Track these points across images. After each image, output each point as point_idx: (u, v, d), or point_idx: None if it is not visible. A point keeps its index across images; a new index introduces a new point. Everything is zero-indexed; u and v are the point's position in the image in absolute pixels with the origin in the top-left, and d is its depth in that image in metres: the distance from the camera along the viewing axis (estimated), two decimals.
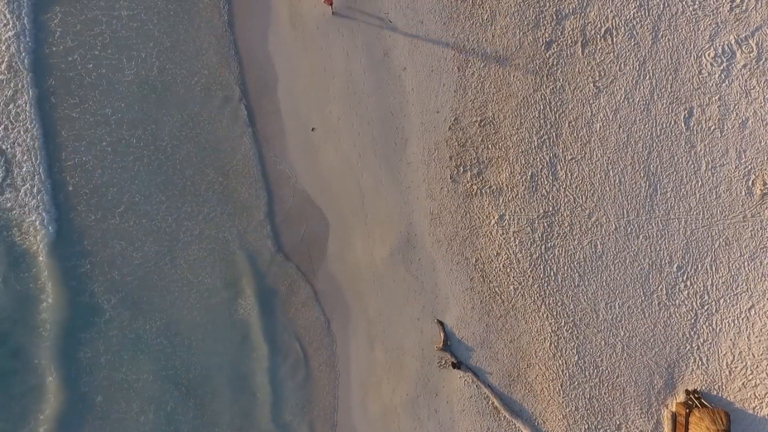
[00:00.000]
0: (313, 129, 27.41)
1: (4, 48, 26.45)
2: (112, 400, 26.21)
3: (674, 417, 25.05)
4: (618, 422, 25.71)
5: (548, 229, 26.01)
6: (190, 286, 26.83)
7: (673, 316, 25.70)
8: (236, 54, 27.46)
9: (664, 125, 25.85)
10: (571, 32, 26.10)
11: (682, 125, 25.81)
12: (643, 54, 25.89)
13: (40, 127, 26.35)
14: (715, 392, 25.39)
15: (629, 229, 25.84)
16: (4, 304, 25.81)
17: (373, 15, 26.54)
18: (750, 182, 25.63)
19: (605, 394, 25.79)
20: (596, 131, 25.99)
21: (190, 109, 27.25)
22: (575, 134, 26.04)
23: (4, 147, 26.20)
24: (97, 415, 26.13)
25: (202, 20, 27.54)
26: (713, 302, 25.64)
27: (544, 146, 26.12)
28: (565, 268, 25.96)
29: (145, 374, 26.42)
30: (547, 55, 26.19)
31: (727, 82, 25.69)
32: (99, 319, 26.25)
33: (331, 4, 26.34)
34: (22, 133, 26.27)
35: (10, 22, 26.51)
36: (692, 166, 25.78)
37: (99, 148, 26.71)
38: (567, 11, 26.10)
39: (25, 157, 26.23)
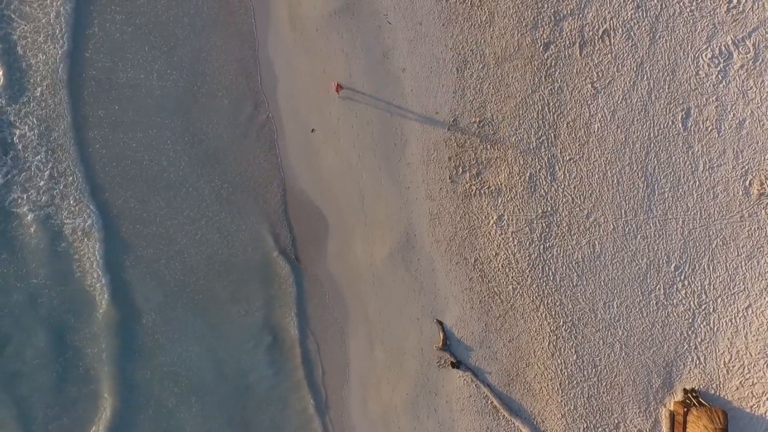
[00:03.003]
0: (312, 130, 27.54)
1: (44, 68, 27.08)
2: (160, 397, 27.24)
3: (672, 416, 25.20)
4: (616, 421, 25.86)
5: (547, 230, 26.16)
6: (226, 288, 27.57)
7: (671, 315, 25.84)
8: (256, 59, 27.68)
9: (662, 126, 25.98)
10: (569, 33, 26.21)
11: (680, 126, 25.94)
12: (641, 55, 26.02)
13: (76, 143, 27.13)
14: (712, 391, 25.54)
15: (627, 229, 25.99)
16: (61, 307, 26.93)
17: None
18: (747, 182, 25.76)
19: (603, 393, 25.94)
20: (594, 132, 26.12)
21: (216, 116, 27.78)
22: (573, 135, 26.18)
23: (47, 162, 27.01)
24: (149, 412, 27.19)
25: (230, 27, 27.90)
26: (711, 302, 25.78)
27: (543, 147, 26.26)
28: (564, 268, 26.10)
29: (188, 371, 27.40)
30: (546, 56, 26.31)
31: (724, 82, 25.81)
32: (145, 318, 27.16)
33: (339, 90, 26.53)
34: (60, 143, 27.06)
35: (51, 42, 27.15)
36: (690, 167, 25.91)
37: (133, 157, 27.38)
38: (565, 12, 26.21)
39: (68, 171, 27.07)
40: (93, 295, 26.86)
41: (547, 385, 26.05)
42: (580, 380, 25.96)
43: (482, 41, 26.62)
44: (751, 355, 25.51)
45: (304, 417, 27.53)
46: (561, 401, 25.97)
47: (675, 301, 25.86)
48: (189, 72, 27.60)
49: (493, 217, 26.43)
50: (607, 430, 25.86)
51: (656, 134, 25.99)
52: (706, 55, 25.88)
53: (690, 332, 25.78)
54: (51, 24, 27.02)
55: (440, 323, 26.73)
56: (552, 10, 26.22)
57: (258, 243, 27.59)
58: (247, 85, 27.70)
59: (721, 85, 25.84)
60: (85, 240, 26.85)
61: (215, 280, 27.40)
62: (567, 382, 25.98)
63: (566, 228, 26.14)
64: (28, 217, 26.86)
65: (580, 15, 26.14)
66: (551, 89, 26.23)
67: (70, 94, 27.06)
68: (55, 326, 26.84)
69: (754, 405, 25.27)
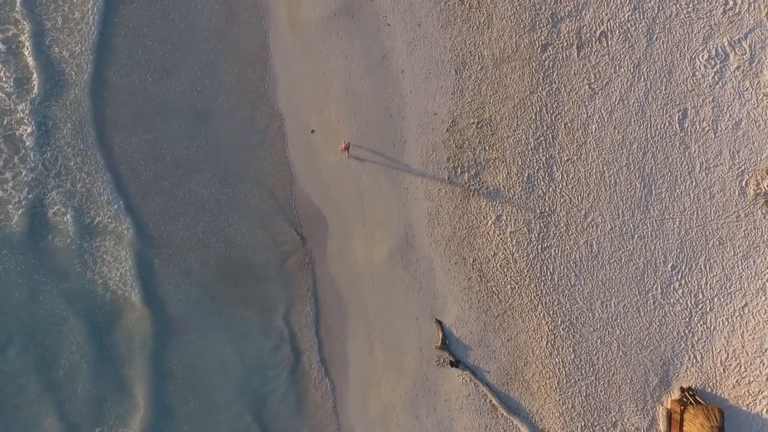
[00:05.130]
0: (312, 131, 27.73)
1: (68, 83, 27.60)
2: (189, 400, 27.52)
3: (669, 414, 25.39)
4: (614, 419, 26.05)
5: (545, 230, 26.36)
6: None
7: (668, 314, 26.04)
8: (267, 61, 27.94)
9: (659, 126, 26.19)
10: (566, 35, 26.43)
11: (677, 126, 26.15)
12: (638, 56, 26.24)
13: (101, 154, 27.47)
14: (709, 389, 25.72)
15: (624, 229, 26.19)
16: (93, 309, 27.21)
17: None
18: (743, 182, 25.96)
19: (601, 391, 26.13)
20: (592, 132, 26.33)
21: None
22: (571, 135, 26.38)
23: (80, 175, 27.44)
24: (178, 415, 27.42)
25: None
26: (707, 301, 25.98)
27: (541, 147, 26.46)
28: (562, 267, 26.30)
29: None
30: (543, 57, 26.52)
31: (720, 83, 26.03)
32: (176, 322, 27.52)
33: (347, 151, 26.68)
34: (88, 154, 27.45)
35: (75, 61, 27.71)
36: (686, 167, 26.12)
37: (154, 160, 27.82)
38: (563, 14, 26.43)
39: (97, 183, 27.43)
40: (125, 297, 27.13)
41: (545, 383, 26.25)
42: (578, 379, 26.16)
43: (480, 43, 26.83)
44: (748, 354, 25.71)
45: (320, 416, 27.75)
46: (559, 400, 26.17)
47: (672, 300, 26.05)
48: (202, 76, 27.99)
49: (491, 218, 26.63)
50: (604, 428, 26.05)
51: (653, 135, 26.20)
52: (702, 57, 26.10)
53: (687, 331, 25.98)
54: (72, 29, 27.68)
55: (439, 323, 26.91)
56: (550, 12, 26.44)
57: (273, 246, 27.86)
58: (261, 89, 27.95)
59: (717, 86, 26.06)
60: (115, 241, 27.19)
61: (236, 283, 27.71)
62: (565, 380, 26.17)
63: (564, 228, 26.34)
64: (54, 218, 27.28)
65: (578, 17, 26.35)
66: (549, 90, 26.44)
67: (91, 94, 27.52)
68: (89, 328, 27.11)
69: (750, 403, 25.46)
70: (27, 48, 27.47)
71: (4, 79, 27.32)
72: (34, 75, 27.38)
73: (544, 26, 26.47)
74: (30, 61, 27.45)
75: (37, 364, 26.80)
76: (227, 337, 27.52)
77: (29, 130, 27.19)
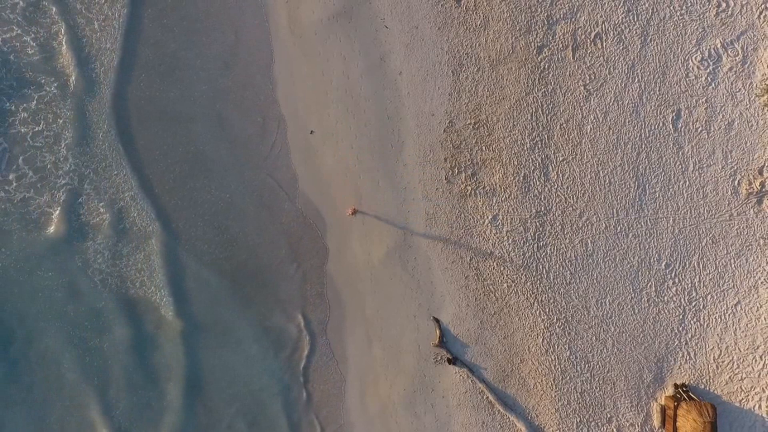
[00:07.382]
0: (311, 132, 28.08)
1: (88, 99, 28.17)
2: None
3: (663, 410, 25.76)
4: (609, 415, 26.42)
5: (540, 229, 26.71)
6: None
7: (662, 312, 26.39)
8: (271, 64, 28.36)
9: (653, 127, 26.53)
10: (562, 37, 26.77)
11: (670, 127, 26.48)
12: (632, 58, 26.56)
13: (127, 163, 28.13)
14: (702, 386, 26.08)
15: (619, 228, 26.54)
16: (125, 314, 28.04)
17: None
18: (736, 182, 26.29)
19: (596, 388, 26.49)
20: (587, 133, 26.68)
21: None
22: (566, 136, 26.73)
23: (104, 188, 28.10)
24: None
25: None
26: (701, 299, 26.33)
27: (537, 148, 26.81)
28: (557, 266, 26.66)
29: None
30: (539, 59, 26.86)
31: (713, 84, 26.35)
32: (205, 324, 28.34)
33: (354, 213, 27.31)
34: (116, 162, 28.13)
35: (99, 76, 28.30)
36: (680, 167, 26.46)
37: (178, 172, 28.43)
38: (558, 16, 26.76)
39: (127, 194, 28.10)
40: (155, 302, 27.81)
41: (541, 380, 26.62)
42: (574, 376, 26.53)
43: (477, 45, 27.17)
44: (740, 351, 26.06)
45: (327, 413, 28.17)
46: (555, 396, 26.53)
47: (666, 298, 26.41)
48: (209, 79, 28.45)
49: (488, 217, 26.99)
50: (599, 424, 26.42)
51: (647, 135, 26.54)
52: (695, 58, 26.42)
53: (680, 329, 26.33)
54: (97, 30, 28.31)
55: (437, 320, 27.25)
56: (545, 14, 26.76)
57: (281, 246, 28.37)
58: (266, 90, 28.35)
59: (710, 87, 26.38)
60: (142, 242, 27.85)
61: (249, 284, 28.28)
62: (560, 377, 26.54)
63: (559, 227, 26.70)
64: (85, 219, 27.94)
65: (573, 19, 26.68)
66: (544, 91, 26.78)
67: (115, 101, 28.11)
68: (117, 328, 27.86)
69: (742, 399, 25.82)
70: (62, 51, 28.02)
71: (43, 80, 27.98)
72: (69, 78, 27.93)
73: (539, 28, 26.80)
74: (63, 64, 28.01)
75: (57, 360, 27.61)
76: (243, 337, 28.08)
77: (63, 133, 27.78)
